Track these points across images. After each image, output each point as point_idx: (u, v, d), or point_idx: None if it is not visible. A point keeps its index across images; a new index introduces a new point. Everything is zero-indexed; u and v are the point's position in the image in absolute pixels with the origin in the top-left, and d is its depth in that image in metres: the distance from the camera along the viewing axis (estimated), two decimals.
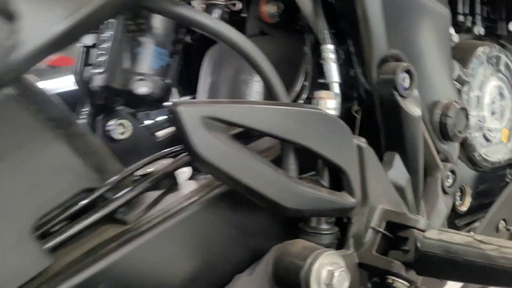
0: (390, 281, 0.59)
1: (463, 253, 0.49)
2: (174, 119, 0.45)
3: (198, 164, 0.48)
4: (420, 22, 0.70)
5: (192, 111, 0.45)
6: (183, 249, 0.52)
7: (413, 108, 0.64)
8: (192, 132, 0.45)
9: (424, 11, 0.72)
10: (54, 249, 0.46)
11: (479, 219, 0.94)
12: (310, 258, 0.51)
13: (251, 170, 0.49)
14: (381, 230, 0.60)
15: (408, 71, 0.64)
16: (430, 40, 0.71)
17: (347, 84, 0.70)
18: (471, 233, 0.53)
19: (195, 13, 0.53)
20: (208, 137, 0.46)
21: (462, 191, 0.90)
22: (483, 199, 0.97)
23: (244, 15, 0.80)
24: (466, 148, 0.86)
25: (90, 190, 0.50)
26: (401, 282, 0.58)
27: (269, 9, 0.77)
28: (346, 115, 0.73)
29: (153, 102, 0.66)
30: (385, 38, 0.65)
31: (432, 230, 0.55)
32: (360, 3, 0.64)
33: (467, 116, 0.74)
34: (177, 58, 0.69)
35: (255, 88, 0.75)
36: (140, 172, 0.59)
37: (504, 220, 0.94)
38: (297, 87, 0.68)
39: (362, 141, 0.61)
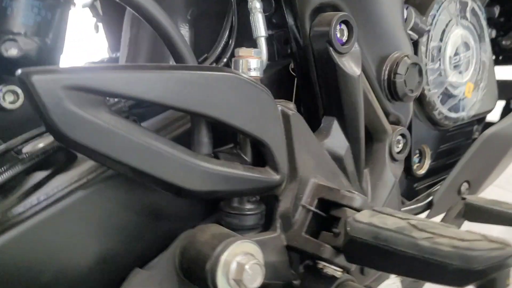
0: (320, 266, 0.52)
1: (393, 241, 0.42)
2: (27, 91, 0.36)
3: (64, 146, 0.40)
4: None
5: (51, 81, 0.36)
6: (70, 243, 0.44)
7: (351, 66, 0.55)
8: (51, 107, 0.36)
9: None
10: None
11: (441, 182, 0.87)
12: (219, 247, 0.43)
13: (137, 148, 0.40)
14: (312, 208, 0.53)
15: (346, 22, 0.55)
16: None
17: (280, 39, 0.61)
18: (409, 216, 0.45)
19: None
20: (73, 112, 0.37)
21: (421, 153, 0.83)
22: (447, 159, 0.90)
23: None
24: (424, 106, 0.78)
25: None
26: (333, 268, 0.51)
27: None
28: (284, 74, 0.64)
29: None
30: None
31: (365, 211, 0.47)
32: None
33: (420, 72, 0.65)
34: (59, 12, 0.58)
35: None
36: (28, 148, 0.51)
37: (468, 182, 0.87)
38: (220, 45, 0.58)
39: (290, 107, 0.52)
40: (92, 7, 0.90)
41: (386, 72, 0.63)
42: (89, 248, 0.45)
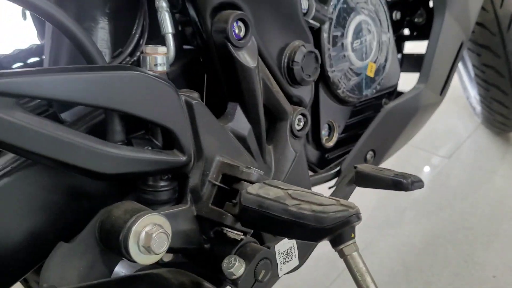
0: (224, 231, 0.61)
1: (272, 208, 0.51)
2: None
3: None
4: None
5: None
6: None
7: (247, 59, 0.63)
8: None
9: None
10: None
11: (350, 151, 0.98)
12: (130, 221, 0.51)
13: (49, 141, 0.47)
14: (217, 183, 0.62)
15: (242, 20, 0.62)
16: None
17: (192, 33, 0.67)
18: (291, 187, 0.54)
19: None
20: None
21: (330, 127, 0.93)
22: (356, 131, 1.01)
23: None
24: (329, 86, 0.87)
25: None
26: (235, 233, 0.61)
27: None
28: (196, 64, 0.71)
29: None
30: None
31: (256, 185, 0.56)
32: None
33: (317, 59, 0.74)
34: None
35: (100, 35, 0.71)
36: None
37: (373, 150, 0.99)
38: (133, 40, 0.65)
39: (193, 97, 0.59)
40: None
41: (285, 60, 0.71)
42: (16, 228, 0.52)
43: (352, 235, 0.47)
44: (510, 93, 1.67)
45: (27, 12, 0.96)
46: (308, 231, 0.47)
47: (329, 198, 0.50)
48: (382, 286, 1.43)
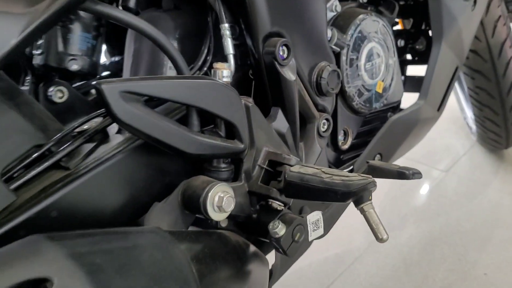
0: (270, 203, 0.81)
1: (310, 180, 0.71)
2: (98, 94, 0.62)
3: (120, 126, 0.66)
4: (299, 4, 0.88)
5: (112, 88, 0.62)
6: (113, 186, 0.71)
7: (289, 74, 0.84)
8: (112, 103, 0.62)
9: None
10: (16, 189, 0.63)
11: (361, 154, 1.18)
12: (207, 188, 0.71)
13: (159, 127, 0.67)
14: (264, 166, 0.81)
15: (286, 45, 0.83)
16: (308, 17, 0.89)
17: (243, 53, 0.88)
18: (322, 167, 0.74)
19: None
20: (124, 106, 0.63)
21: (345, 133, 1.13)
22: (366, 137, 1.21)
23: None
24: (346, 99, 1.08)
25: (39, 146, 0.67)
26: (278, 203, 0.80)
27: None
28: (246, 77, 0.92)
29: (84, 76, 0.83)
30: (268, 18, 0.82)
31: (297, 166, 0.76)
32: None
33: (338, 76, 0.95)
34: (100, 39, 0.85)
35: None
36: (78, 129, 0.77)
37: (380, 154, 1.19)
38: (202, 58, 0.86)
39: (249, 101, 0.80)
40: None
41: (315, 76, 0.92)
42: (125, 191, 0.72)
43: (370, 198, 0.67)
44: (501, 113, 1.88)
45: None
46: (339, 194, 0.67)
47: (353, 173, 0.70)
48: (385, 279, 1.61)
